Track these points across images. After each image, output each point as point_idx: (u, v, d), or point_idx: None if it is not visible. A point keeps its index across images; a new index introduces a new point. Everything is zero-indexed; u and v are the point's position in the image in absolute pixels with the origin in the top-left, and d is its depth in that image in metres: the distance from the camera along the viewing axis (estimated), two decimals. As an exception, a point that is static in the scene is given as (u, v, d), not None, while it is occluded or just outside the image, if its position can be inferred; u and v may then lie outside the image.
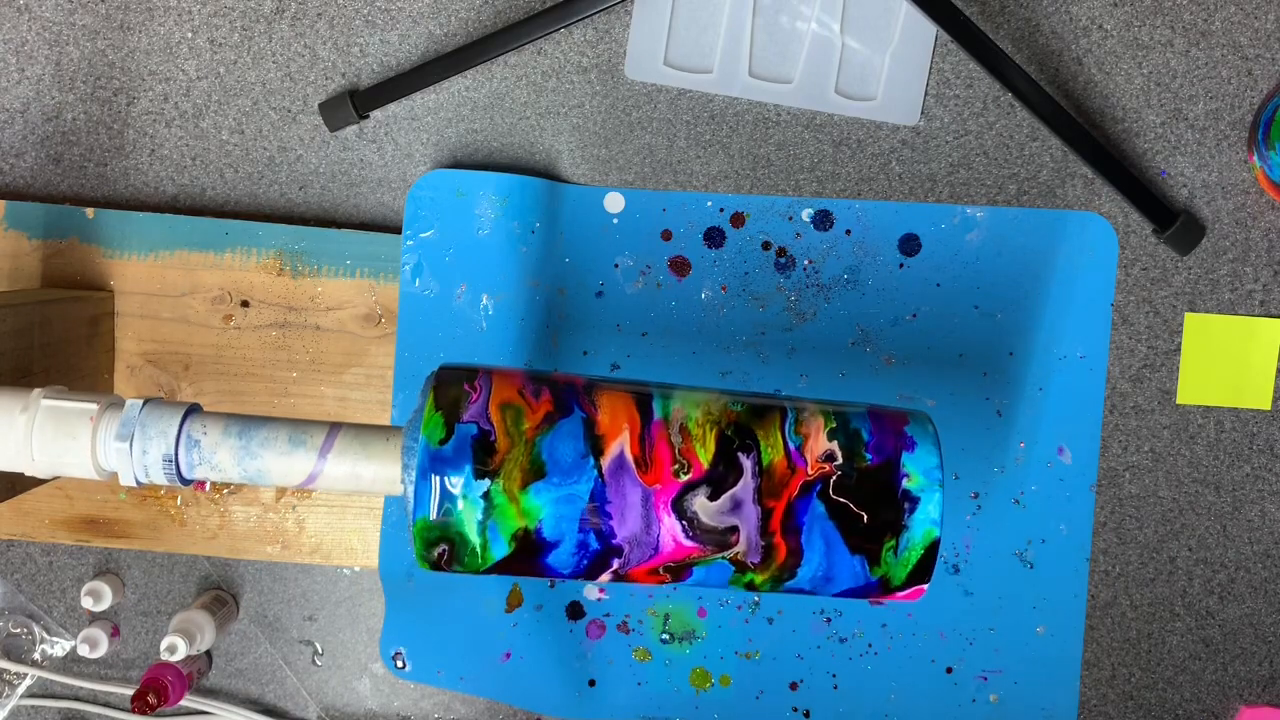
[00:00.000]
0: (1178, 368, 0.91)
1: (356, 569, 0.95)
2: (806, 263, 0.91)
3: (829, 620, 0.94)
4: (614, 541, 0.55)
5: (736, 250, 0.91)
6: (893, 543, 0.57)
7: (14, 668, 0.96)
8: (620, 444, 0.56)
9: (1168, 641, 0.94)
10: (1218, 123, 0.90)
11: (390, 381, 0.92)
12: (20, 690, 0.97)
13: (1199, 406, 0.92)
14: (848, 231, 0.91)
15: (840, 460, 0.57)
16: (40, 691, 0.98)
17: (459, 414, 0.56)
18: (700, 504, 0.56)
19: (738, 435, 0.57)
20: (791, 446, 0.57)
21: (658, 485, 0.56)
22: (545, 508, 0.55)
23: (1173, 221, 0.87)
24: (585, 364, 0.93)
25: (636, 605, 0.94)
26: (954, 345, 0.91)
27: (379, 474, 0.58)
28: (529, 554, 0.56)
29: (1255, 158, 0.89)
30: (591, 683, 0.95)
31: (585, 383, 0.60)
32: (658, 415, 0.58)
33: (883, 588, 0.58)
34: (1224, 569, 0.93)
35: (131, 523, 0.93)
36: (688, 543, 0.56)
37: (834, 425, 0.59)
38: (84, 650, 0.92)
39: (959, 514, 0.92)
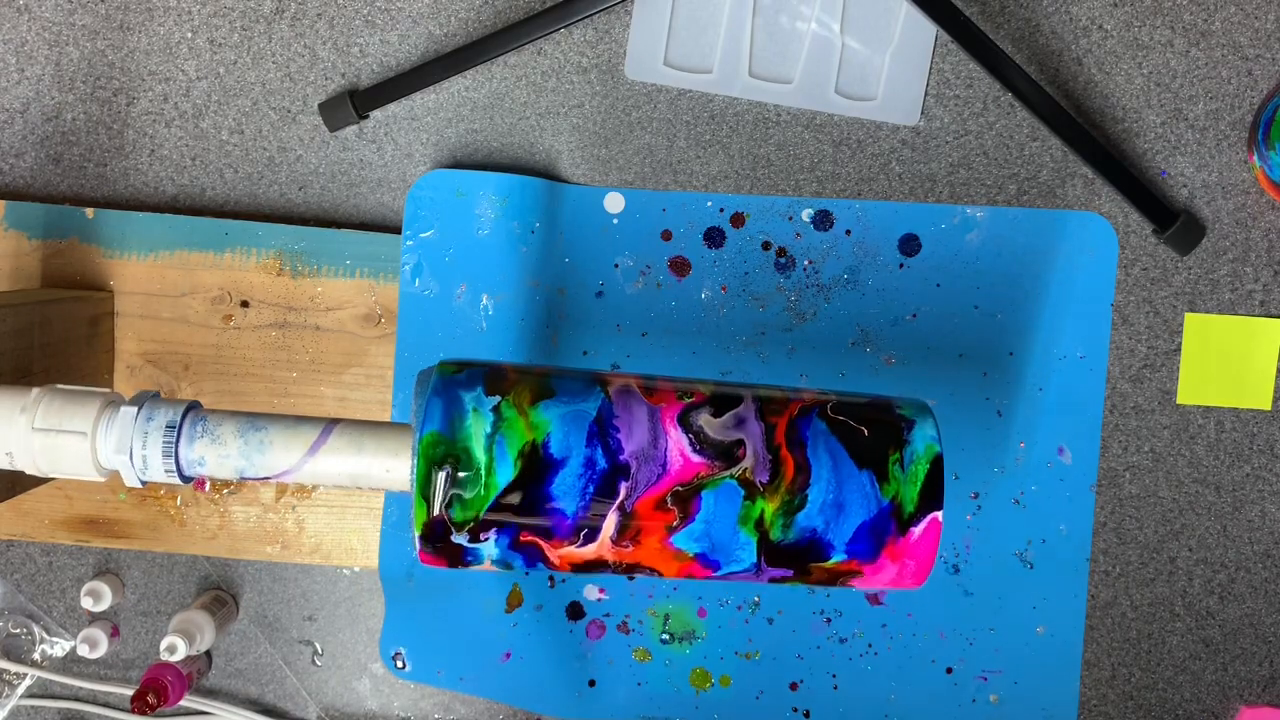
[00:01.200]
0: (1178, 368, 0.91)
1: (356, 569, 0.95)
2: (806, 263, 0.91)
3: (829, 620, 0.94)
4: (621, 458, 0.56)
5: (736, 250, 0.91)
6: (897, 455, 0.58)
7: (14, 668, 0.96)
8: (626, 380, 0.60)
9: (1168, 641, 0.94)
10: (1218, 123, 0.90)
11: (390, 381, 0.92)
12: (20, 690, 0.97)
13: (1199, 406, 0.92)
14: (848, 231, 0.91)
15: (834, 396, 0.61)
16: (40, 691, 0.98)
17: (470, 364, 0.60)
18: (705, 419, 0.58)
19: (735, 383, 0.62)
20: (788, 391, 0.61)
21: (663, 404, 0.58)
22: (553, 422, 0.56)
23: (1173, 221, 0.87)
24: (585, 364, 0.93)
25: (636, 605, 0.94)
26: (954, 345, 0.91)
27: (382, 450, 0.59)
28: (534, 478, 0.56)
29: (1255, 158, 0.89)
30: (591, 683, 0.95)
31: None
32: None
33: (896, 516, 0.58)
34: (1224, 569, 0.93)
35: (131, 523, 0.93)
36: (695, 457, 0.56)
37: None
38: (84, 650, 0.92)
39: (959, 514, 0.92)
